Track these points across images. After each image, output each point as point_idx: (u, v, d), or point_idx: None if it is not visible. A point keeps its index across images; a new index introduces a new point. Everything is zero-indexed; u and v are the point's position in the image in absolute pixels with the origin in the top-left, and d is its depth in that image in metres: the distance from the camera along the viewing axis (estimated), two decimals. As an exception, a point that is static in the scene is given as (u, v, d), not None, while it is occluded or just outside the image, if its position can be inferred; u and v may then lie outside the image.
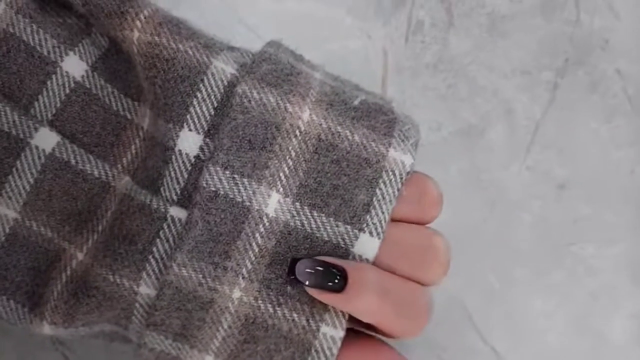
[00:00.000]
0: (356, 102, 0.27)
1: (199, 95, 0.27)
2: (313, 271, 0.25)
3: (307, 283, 0.25)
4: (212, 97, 0.27)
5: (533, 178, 0.36)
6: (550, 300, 0.35)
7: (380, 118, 0.27)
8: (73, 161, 0.27)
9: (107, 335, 0.29)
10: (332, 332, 0.26)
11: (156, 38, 0.27)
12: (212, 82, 0.27)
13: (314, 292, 0.25)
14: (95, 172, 0.28)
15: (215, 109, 0.27)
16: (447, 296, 0.35)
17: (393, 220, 0.27)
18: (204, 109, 0.27)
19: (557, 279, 0.35)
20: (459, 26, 0.38)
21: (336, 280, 0.25)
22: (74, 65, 0.28)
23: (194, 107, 0.27)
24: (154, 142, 0.28)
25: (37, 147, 0.27)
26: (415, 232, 0.27)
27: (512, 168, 0.36)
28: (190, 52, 0.27)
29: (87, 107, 0.28)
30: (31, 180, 0.27)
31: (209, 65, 0.27)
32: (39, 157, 0.27)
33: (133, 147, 0.29)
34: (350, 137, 0.27)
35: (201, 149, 0.27)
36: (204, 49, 0.28)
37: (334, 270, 0.25)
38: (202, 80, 0.27)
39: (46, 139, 0.27)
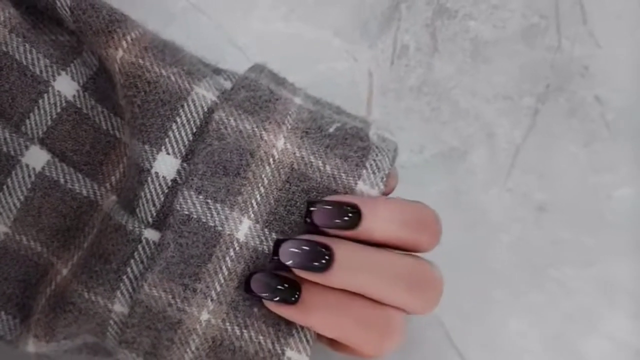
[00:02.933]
0: (331, 130, 0.27)
1: (178, 120, 0.27)
2: (265, 288, 0.25)
3: (265, 295, 0.25)
4: (192, 122, 0.27)
5: (513, 201, 0.36)
6: (528, 321, 0.35)
7: (355, 145, 0.27)
8: (62, 180, 0.28)
9: (90, 348, 0.29)
10: (297, 356, 0.26)
11: (140, 61, 0.27)
12: (192, 107, 0.27)
13: (270, 305, 0.25)
14: (84, 191, 0.28)
15: (194, 134, 0.27)
16: (426, 317, 0.35)
17: (394, 246, 0.26)
18: (183, 133, 0.27)
19: (534, 300, 0.35)
20: (443, 51, 0.38)
21: (289, 294, 0.25)
22: (66, 85, 0.28)
23: (173, 131, 0.27)
24: (130, 162, 0.28)
25: (27, 166, 0.28)
26: (416, 263, 0.26)
27: (493, 191, 0.37)
28: (173, 78, 0.27)
29: (78, 126, 0.28)
30: (21, 198, 0.27)
31: (190, 91, 0.27)
32: (29, 176, 0.28)
33: (121, 165, 0.29)
34: (322, 168, 0.27)
35: (178, 172, 0.27)
36: (186, 76, 0.28)
37: (286, 285, 0.25)
38: (182, 106, 0.27)
39: (36, 157, 0.28)
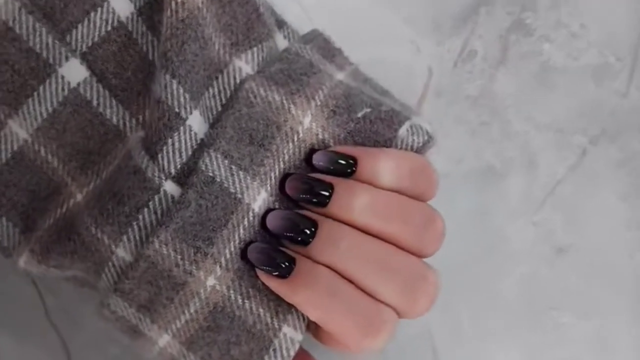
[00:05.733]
0: (360, 114, 0.27)
1: (210, 90, 0.27)
2: (262, 255, 0.26)
3: (257, 264, 0.26)
4: (222, 94, 0.27)
5: (536, 235, 0.36)
6: (517, 358, 0.35)
7: (380, 134, 0.27)
8: (95, 102, 0.27)
9: (78, 281, 0.29)
10: (292, 333, 0.26)
11: (195, 12, 0.26)
12: (226, 80, 0.27)
13: (261, 275, 0.26)
14: (114, 119, 0.27)
15: (222, 105, 0.27)
16: (417, 326, 0.35)
17: (391, 241, 0.26)
18: (213, 103, 0.27)
19: (527, 339, 0.35)
20: (509, 66, 0.37)
21: (283, 266, 0.25)
22: (122, 5, 0.27)
23: (205, 98, 0.27)
24: (162, 101, 0.27)
25: (62, 78, 0.27)
26: (410, 260, 0.26)
27: (519, 221, 0.36)
28: (216, 47, 0.27)
29: (124, 49, 0.27)
30: (49, 109, 0.27)
31: (227, 64, 0.27)
32: (62, 89, 0.27)
33: None
34: None
35: (205, 135, 0.27)
36: (230, 47, 0.27)
37: (282, 256, 0.25)
38: (216, 77, 0.27)
39: (74, 71, 0.27)
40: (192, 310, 0.25)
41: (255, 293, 0.26)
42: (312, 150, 0.27)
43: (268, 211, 0.26)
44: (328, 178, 0.26)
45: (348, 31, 0.31)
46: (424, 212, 0.26)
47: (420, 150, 0.28)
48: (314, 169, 0.27)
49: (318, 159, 0.26)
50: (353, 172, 0.26)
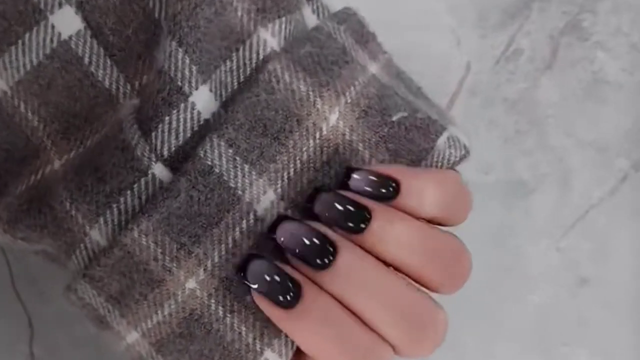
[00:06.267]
0: (395, 118, 0.25)
1: (228, 63, 0.25)
2: (268, 278, 0.23)
3: (255, 287, 0.23)
4: (241, 70, 0.25)
5: (559, 262, 0.34)
6: (518, 391, 0.34)
7: (414, 144, 0.25)
8: (87, 59, 0.25)
9: (48, 255, 0.27)
10: (275, 359, 0.24)
11: None
12: (247, 53, 0.25)
13: (259, 299, 0.23)
14: (107, 81, 0.25)
15: (240, 82, 0.25)
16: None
17: (413, 276, 0.25)
18: (229, 78, 0.25)
19: None
20: (557, 72, 0.34)
21: (288, 297, 0.23)
22: None
23: (220, 72, 0.25)
24: (164, 71, 0.24)
25: (53, 27, 0.24)
26: (424, 301, 0.24)
27: (543, 243, 0.34)
28: (239, 13, 0.25)
29: (127, 3, 0.25)
30: (34, 61, 0.24)
31: (251, 33, 0.25)
32: (51, 40, 0.24)
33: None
34: (366, 161, 0.25)
35: (213, 115, 0.24)
36: (255, 14, 0.25)
37: (289, 284, 0.23)
38: (237, 49, 0.25)
39: (67, 21, 0.24)
40: (165, 312, 0.24)
41: (240, 308, 0.24)
42: (348, 169, 0.24)
43: (280, 219, 0.24)
44: (369, 203, 0.24)
45: (384, 13, 0.29)
46: (454, 247, 0.25)
47: (455, 166, 0.26)
48: (331, 170, 0.25)
49: (358, 181, 0.24)
50: (394, 197, 0.24)
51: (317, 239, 0.23)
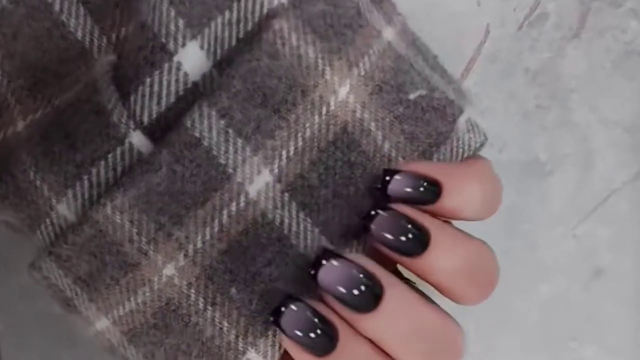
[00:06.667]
0: (412, 96, 0.24)
1: (226, 14, 0.23)
2: (310, 331, 0.22)
3: (292, 335, 0.22)
4: (242, 24, 0.23)
5: (575, 251, 0.33)
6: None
7: (432, 126, 0.24)
8: (57, 6, 0.23)
9: (11, 226, 0.26)
10: None
11: None
12: (250, 5, 0.23)
13: (294, 348, 0.22)
14: (79, 33, 0.23)
15: (239, 39, 0.23)
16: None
17: (443, 294, 0.24)
18: (226, 33, 0.23)
19: None
20: (585, 41, 0.32)
21: (324, 346, 0.22)
22: None
23: (216, 25, 0.23)
24: (138, 23, 0.23)
25: None
26: (445, 327, 0.23)
27: (558, 230, 0.33)
28: None
29: None
30: None
31: None
32: None
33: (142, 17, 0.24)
34: (379, 142, 0.23)
35: (203, 78, 0.23)
36: None
37: (326, 330, 0.22)
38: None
39: None
40: (139, 300, 0.23)
41: (223, 301, 0.22)
42: (385, 170, 0.23)
43: (322, 254, 0.22)
44: (429, 225, 0.22)
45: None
46: (488, 258, 0.24)
47: (476, 152, 0.25)
48: (337, 152, 0.23)
49: (400, 184, 0.22)
50: (436, 202, 0.23)
51: (364, 281, 0.21)
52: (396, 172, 0.23)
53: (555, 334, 0.33)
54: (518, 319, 0.33)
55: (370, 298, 0.22)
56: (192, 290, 0.23)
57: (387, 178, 0.23)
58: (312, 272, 0.22)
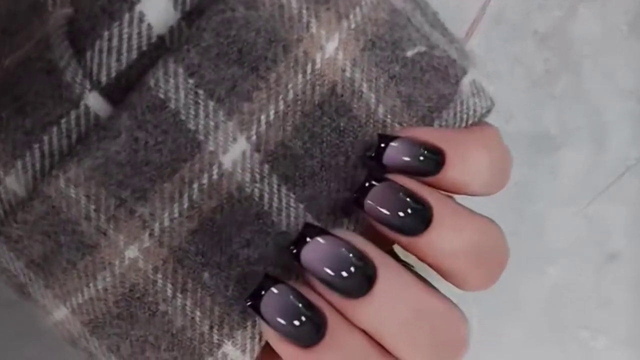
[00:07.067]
0: (410, 53, 0.22)
1: None
2: (294, 318, 0.20)
3: (273, 323, 0.20)
4: None
5: (586, 232, 0.33)
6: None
7: (433, 87, 0.23)
8: None
9: None
10: (236, 355, 0.22)
11: None
12: None
13: (272, 335, 0.21)
14: None
15: None
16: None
17: (445, 278, 0.23)
18: None
19: (547, 355, 0.33)
20: (598, 0, 0.31)
21: (312, 335, 0.20)
22: None
23: None
24: None
25: None
26: (447, 314, 0.22)
27: (569, 209, 0.33)
28: None
29: None
30: None
31: None
32: None
33: None
34: (372, 107, 0.22)
35: (170, 31, 0.21)
36: None
37: (313, 318, 0.20)
38: None
39: None
40: (99, 286, 0.22)
41: (195, 288, 0.21)
42: (380, 136, 0.22)
43: (306, 230, 0.21)
44: (433, 202, 0.21)
45: None
46: (496, 237, 0.23)
47: (482, 119, 0.24)
48: (324, 116, 0.22)
49: (398, 152, 0.21)
50: (438, 173, 0.21)
51: (354, 262, 0.20)
52: (393, 138, 0.21)
53: (563, 324, 0.33)
54: (523, 307, 0.33)
55: (362, 281, 0.20)
56: (159, 275, 0.22)
57: (383, 145, 0.21)
58: (294, 250, 0.20)
